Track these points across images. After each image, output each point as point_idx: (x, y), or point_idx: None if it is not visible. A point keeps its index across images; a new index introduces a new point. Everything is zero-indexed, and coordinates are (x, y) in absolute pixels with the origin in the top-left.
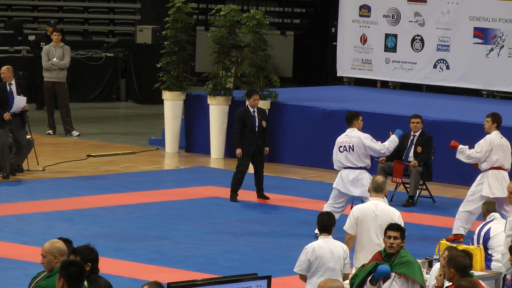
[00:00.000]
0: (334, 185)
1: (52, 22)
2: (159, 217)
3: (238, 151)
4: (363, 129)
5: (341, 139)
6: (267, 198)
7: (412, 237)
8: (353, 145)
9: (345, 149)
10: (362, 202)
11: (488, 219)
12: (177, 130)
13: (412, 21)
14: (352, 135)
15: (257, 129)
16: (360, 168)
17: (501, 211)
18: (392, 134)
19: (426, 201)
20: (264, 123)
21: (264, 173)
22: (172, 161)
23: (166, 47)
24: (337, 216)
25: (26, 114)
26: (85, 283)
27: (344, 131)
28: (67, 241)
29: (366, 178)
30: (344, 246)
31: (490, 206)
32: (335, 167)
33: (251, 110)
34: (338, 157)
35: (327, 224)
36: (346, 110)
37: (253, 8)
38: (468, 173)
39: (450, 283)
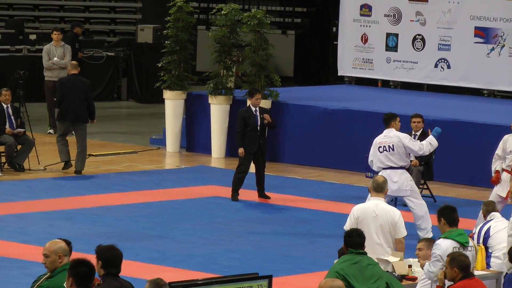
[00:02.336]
0: None
1: (78, 22)
2: (160, 216)
3: (240, 150)
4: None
5: (380, 140)
6: (268, 197)
7: (413, 236)
8: (393, 145)
9: (384, 149)
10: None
11: (488, 219)
12: (178, 129)
13: (413, 20)
14: (391, 135)
15: (259, 128)
16: (401, 167)
17: None
18: (431, 132)
19: (427, 200)
20: (268, 119)
21: (265, 172)
22: (173, 160)
23: (167, 46)
24: None
25: (27, 114)
26: None
27: (344, 130)
28: (66, 242)
29: (407, 178)
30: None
31: (490, 206)
32: (374, 168)
33: (253, 109)
34: (379, 157)
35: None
36: (347, 110)
37: (254, 7)
38: (468, 173)
39: (452, 283)
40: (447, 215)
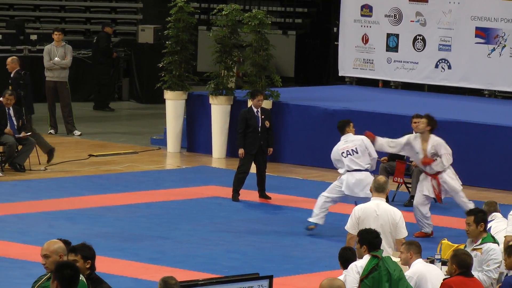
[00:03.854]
0: (342, 189)
1: (108, 21)
2: (160, 216)
3: (241, 151)
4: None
5: (341, 146)
6: (269, 198)
7: (413, 237)
8: (356, 148)
9: (348, 153)
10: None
11: (489, 219)
12: (179, 129)
13: (413, 21)
14: (352, 139)
15: (260, 130)
16: (366, 170)
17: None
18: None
19: None
20: (267, 123)
21: (266, 173)
22: (174, 160)
23: (168, 46)
24: (327, 205)
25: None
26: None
27: None
28: (66, 242)
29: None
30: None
31: (491, 206)
32: (341, 172)
33: (255, 110)
34: (344, 162)
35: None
36: (348, 110)
37: (255, 8)
38: (469, 173)
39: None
40: (486, 221)
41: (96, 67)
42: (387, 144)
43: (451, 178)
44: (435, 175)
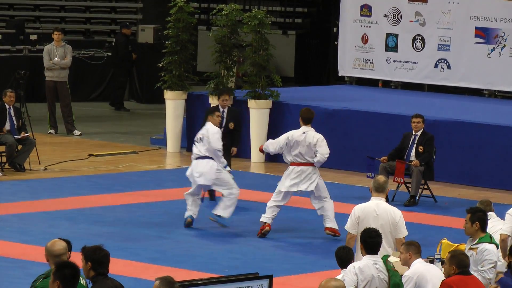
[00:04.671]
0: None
1: (127, 23)
2: (160, 216)
3: None
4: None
5: (200, 132)
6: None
7: (413, 237)
8: (202, 137)
9: (197, 140)
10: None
11: None
12: (179, 129)
13: (412, 21)
14: (206, 128)
15: (223, 130)
16: (208, 157)
17: None
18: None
19: (427, 200)
20: (231, 125)
21: (266, 173)
22: (173, 160)
23: (168, 46)
24: (198, 201)
25: (28, 114)
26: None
27: (344, 131)
28: (66, 242)
29: (212, 167)
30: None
31: (487, 205)
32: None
33: (221, 110)
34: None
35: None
36: (347, 110)
37: (255, 8)
38: (469, 173)
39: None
40: (484, 221)
41: (115, 70)
42: (271, 146)
43: None
44: None
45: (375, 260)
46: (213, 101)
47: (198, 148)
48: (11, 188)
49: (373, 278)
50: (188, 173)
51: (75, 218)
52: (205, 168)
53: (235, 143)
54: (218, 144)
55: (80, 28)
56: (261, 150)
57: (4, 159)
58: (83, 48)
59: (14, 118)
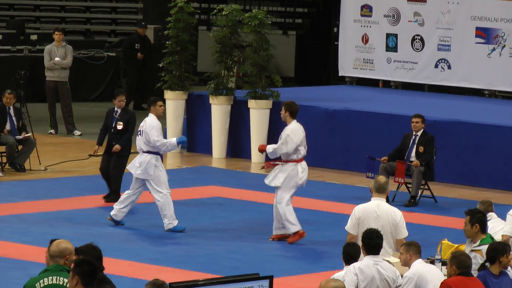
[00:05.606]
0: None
1: (143, 23)
2: (161, 217)
3: (95, 148)
4: (363, 129)
5: (141, 124)
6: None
7: (414, 237)
8: (142, 130)
9: (139, 133)
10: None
11: None
12: (179, 129)
13: (411, 21)
14: (145, 120)
15: (113, 130)
16: (148, 152)
17: None
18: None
19: (428, 201)
20: (120, 124)
21: (266, 173)
22: (174, 161)
23: (168, 46)
24: (133, 197)
25: (28, 114)
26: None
27: (345, 131)
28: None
29: (150, 162)
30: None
31: (488, 206)
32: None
33: (115, 110)
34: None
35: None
36: (348, 110)
37: (255, 8)
38: (469, 174)
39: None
40: (483, 222)
41: (125, 70)
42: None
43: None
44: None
45: (376, 260)
46: (214, 101)
47: (138, 142)
48: (11, 189)
49: (374, 278)
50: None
51: (76, 219)
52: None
53: (121, 142)
54: (152, 135)
55: (80, 28)
56: (261, 150)
57: (4, 159)
58: (84, 48)
59: (14, 118)
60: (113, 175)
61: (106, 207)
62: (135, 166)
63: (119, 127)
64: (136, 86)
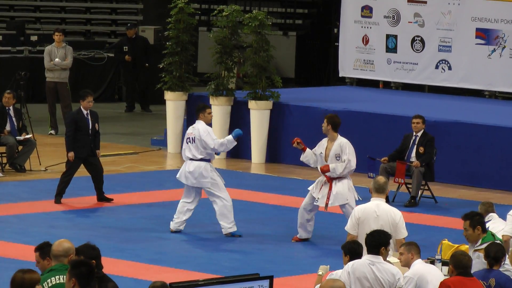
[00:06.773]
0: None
1: (129, 24)
2: (161, 217)
3: (71, 154)
4: (363, 130)
5: (189, 131)
6: (111, 200)
7: (414, 237)
8: (194, 137)
9: (189, 141)
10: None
11: (486, 219)
12: (179, 130)
13: (411, 22)
14: (196, 127)
15: (90, 132)
16: (201, 160)
17: None
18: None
19: (428, 201)
20: (96, 126)
21: (266, 173)
22: (174, 161)
23: (168, 47)
24: (188, 214)
25: (28, 115)
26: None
27: (345, 132)
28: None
29: (206, 169)
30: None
31: (489, 207)
32: (183, 158)
33: (84, 112)
34: (184, 148)
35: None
36: (348, 111)
37: (255, 9)
38: (470, 174)
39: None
40: (483, 223)
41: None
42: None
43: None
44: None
45: (373, 260)
46: (214, 102)
47: (190, 149)
48: (11, 189)
49: (365, 278)
50: (178, 174)
51: (76, 219)
52: (196, 172)
53: (98, 145)
54: (208, 140)
55: (80, 29)
56: (325, 171)
57: (4, 160)
58: (84, 49)
59: (14, 119)
60: (101, 173)
61: (106, 208)
62: (188, 175)
63: (97, 127)
64: (133, 88)
